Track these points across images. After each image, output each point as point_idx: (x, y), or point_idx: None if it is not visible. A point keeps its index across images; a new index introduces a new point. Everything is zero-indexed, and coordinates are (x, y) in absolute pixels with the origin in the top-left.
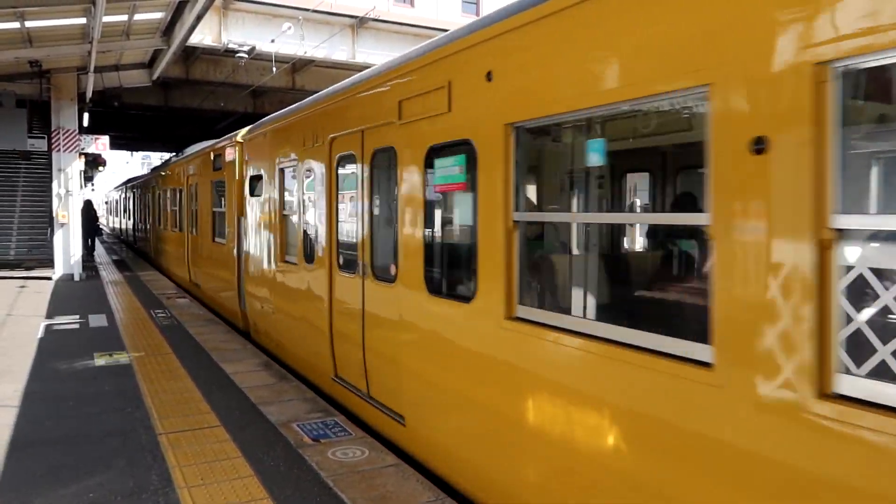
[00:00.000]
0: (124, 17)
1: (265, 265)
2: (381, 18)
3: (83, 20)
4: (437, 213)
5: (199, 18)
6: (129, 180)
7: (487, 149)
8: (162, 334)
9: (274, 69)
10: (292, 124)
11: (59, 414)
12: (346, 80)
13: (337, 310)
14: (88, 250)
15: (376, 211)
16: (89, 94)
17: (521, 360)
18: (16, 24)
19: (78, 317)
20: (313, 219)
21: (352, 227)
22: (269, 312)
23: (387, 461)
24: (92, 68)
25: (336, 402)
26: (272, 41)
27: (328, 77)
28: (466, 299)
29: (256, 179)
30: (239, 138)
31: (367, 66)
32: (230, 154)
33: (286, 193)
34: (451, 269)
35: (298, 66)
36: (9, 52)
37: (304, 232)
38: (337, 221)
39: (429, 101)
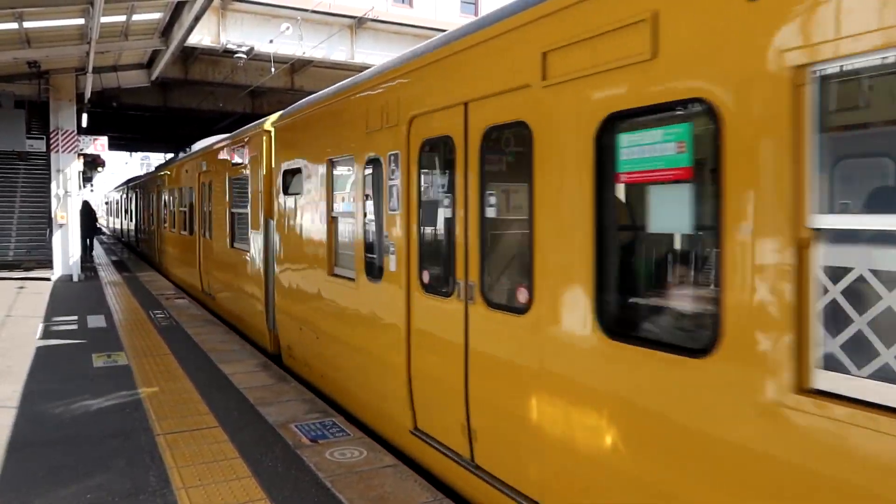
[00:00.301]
0: (122, 18)
1: (306, 278)
2: (379, 19)
3: (81, 21)
4: (617, 215)
5: (197, 19)
6: (132, 179)
7: (748, 111)
8: (160, 335)
9: (273, 69)
10: (348, 104)
11: (57, 415)
12: (435, 37)
13: (419, 343)
14: (87, 251)
15: (490, 212)
16: (88, 95)
17: (846, 473)
18: (14, 25)
19: (76, 317)
20: (381, 223)
21: (445, 233)
22: (312, 338)
23: (385, 461)
24: (90, 69)
25: (414, 461)
26: (271, 41)
27: (327, 77)
28: (694, 353)
29: (292, 174)
30: (268, 126)
31: (365, 67)
32: (256, 145)
33: (338, 190)
34: (657, 302)
35: (297, 66)
36: (7, 52)
37: (367, 239)
38: (419, 226)
39: (608, 46)
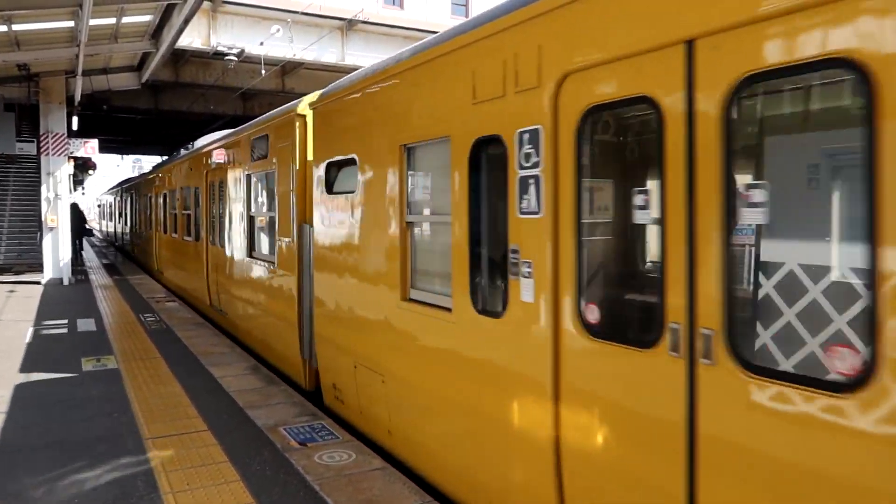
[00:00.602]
0: (112, 21)
1: (365, 301)
2: (370, 21)
3: (71, 23)
4: None
5: (187, 21)
6: (127, 181)
7: None
8: (150, 338)
9: (263, 72)
10: (438, 67)
11: (46, 419)
12: None
13: (578, 411)
14: (76, 253)
15: (747, 215)
16: (78, 98)
17: None
18: (3, 28)
19: (66, 321)
20: (503, 230)
21: (643, 249)
22: (374, 381)
23: (373, 464)
24: (80, 71)
25: None
26: (261, 44)
27: (318, 79)
28: None
29: (339, 168)
30: (301, 109)
31: (356, 69)
32: (285, 134)
33: (415, 186)
34: None
35: (288, 68)
36: None
37: (474, 254)
38: (578, 237)
39: None
